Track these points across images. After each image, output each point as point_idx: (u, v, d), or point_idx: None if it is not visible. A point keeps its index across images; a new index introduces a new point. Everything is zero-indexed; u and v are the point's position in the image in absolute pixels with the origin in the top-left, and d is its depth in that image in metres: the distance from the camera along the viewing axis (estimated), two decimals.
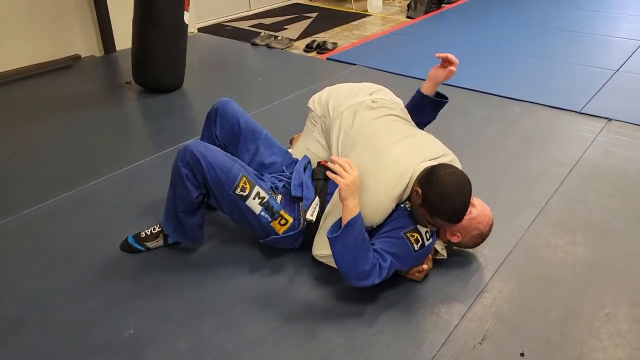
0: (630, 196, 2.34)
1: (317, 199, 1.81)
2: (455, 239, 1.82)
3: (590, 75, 3.69)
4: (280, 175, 1.93)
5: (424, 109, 2.00)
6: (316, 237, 1.82)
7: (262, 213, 1.76)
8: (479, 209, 1.82)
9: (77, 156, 2.64)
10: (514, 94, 3.34)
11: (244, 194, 1.72)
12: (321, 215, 1.80)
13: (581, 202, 2.29)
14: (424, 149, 1.81)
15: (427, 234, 1.77)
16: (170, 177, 1.80)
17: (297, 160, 2.00)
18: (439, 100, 2.01)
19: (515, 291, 1.80)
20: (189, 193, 1.73)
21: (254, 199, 1.73)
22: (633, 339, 1.62)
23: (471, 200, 1.79)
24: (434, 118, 2.08)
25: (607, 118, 3.03)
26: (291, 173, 1.91)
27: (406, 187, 1.72)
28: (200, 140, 2.00)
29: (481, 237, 1.85)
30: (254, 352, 1.55)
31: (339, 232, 1.58)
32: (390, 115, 1.92)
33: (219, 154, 1.74)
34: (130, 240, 1.93)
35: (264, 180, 1.83)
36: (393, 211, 1.75)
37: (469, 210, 1.77)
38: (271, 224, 1.78)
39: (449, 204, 1.60)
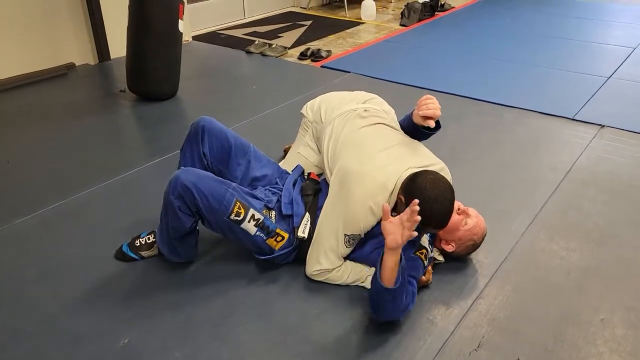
0: (624, 202, 2.35)
1: (307, 215, 1.80)
2: (449, 248, 1.83)
3: (583, 82, 3.72)
4: (273, 187, 1.92)
5: (412, 133, 1.93)
6: (309, 255, 1.79)
7: (258, 233, 1.74)
8: (474, 220, 1.81)
9: (72, 164, 2.63)
10: (507, 101, 3.37)
11: (239, 218, 1.70)
12: (313, 231, 1.79)
13: (575, 208, 2.30)
14: (411, 157, 1.80)
15: (429, 245, 1.78)
16: (164, 192, 1.74)
17: (287, 171, 2.00)
18: (427, 133, 1.90)
19: (510, 297, 1.80)
20: (183, 223, 1.71)
21: (249, 222, 1.71)
22: (628, 345, 1.62)
23: (466, 210, 1.80)
24: (425, 139, 1.97)
25: (600, 125, 3.05)
26: (284, 185, 1.91)
27: (391, 194, 1.70)
28: (181, 159, 1.95)
29: (474, 248, 1.86)
30: None
31: (398, 284, 1.51)
32: (380, 124, 1.92)
33: (210, 181, 1.69)
34: (125, 249, 1.93)
35: (257, 198, 1.79)
36: None
37: (464, 221, 1.79)
38: (267, 241, 1.77)
39: (431, 209, 1.57)
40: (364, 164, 1.75)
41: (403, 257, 1.55)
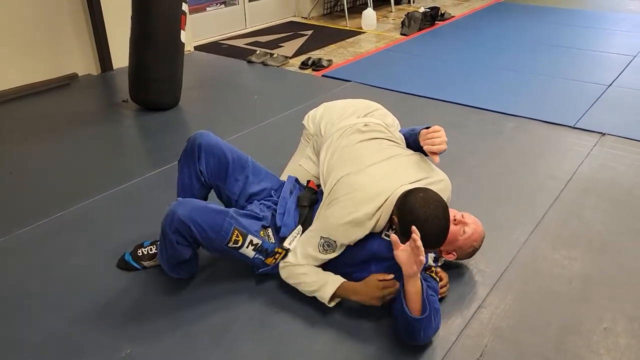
0: (626, 210, 2.35)
1: (299, 227, 1.78)
2: (451, 257, 1.82)
3: (583, 90, 3.73)
4: (268, 200, 1.90)
5: (416, 150, 1.90)
6: (290, 252, 1.78)
7: (257, 255, 1.74)
8: (472, 227, 1.79)
9: (74, 174, 2.64)
10: (508, 110, 3.37)
11: (237, 245, 1.69)
12: None
13: (577, 216, 2.30)
14: (406, 172, 1.76)
15: (433, 261, 1.78)
16: (161, 223, 1.69)
17: (282, 182, 1.98)
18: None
19: (512, 306, 1.79)
20: (181, 254, 1.69)
21: (247, 247, 1.71)
22: (631, 354, 1.62)
23: (463, 218, 1.79)
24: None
25: (601, 132, 3.06)
26: (279, 197, 1.88)
27: (378, 210, 1.65)
28: (179, 175, 1.92)
29: (474, 252, 1.86)
30: None
31: (427, 312, 1.51)
32: (378, 138, 1.88)
33: (207, 211, 1.66)
34: (127, 258, 1.93)
35: (255, 218, 1.77)
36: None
37: (462, 230, 1.76)
38: (265, 261, 1.77)
39: (422, 230, 1.52)
40: (356, 176, 1.72)
41: (424, 283, 1.54)
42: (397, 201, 1.63)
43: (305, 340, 1.64)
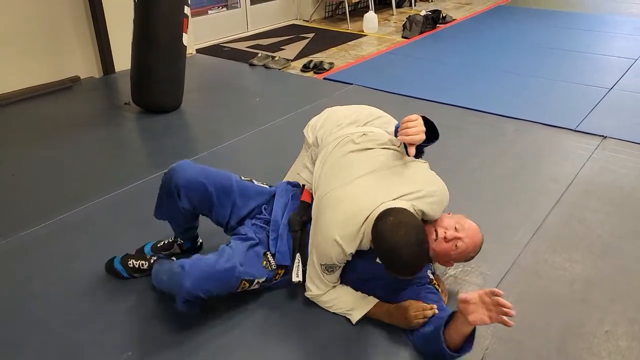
0: (627, 213, 2.35)
1: (297, 256, 1.74)
2: (449, 265, 1.79)
3: (584, 93, 3.73)
4: (260, 219, 1.82)
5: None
6: (307, 280, 1.75)
7: (263, 285, 1.76)
8: (465, 240, 1.64)
9: (76, 177, 2.65)
10: (509, 112, 3.38)
11: (245, 288, 1.69)
12: (305, 270, 1.75)
13: (578, 219, 2.30)
14: (392, 186, 1.63)
15: (430, 273, 1.78)
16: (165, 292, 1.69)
17: (274, 193, 1.89)
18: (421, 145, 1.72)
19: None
20: (192, 309, 1.65)
21: (254, 286, 1.72)
22: (632, 357, 1.62)
23: (456, 234, 1.63)
24: (421, 150, 1.83)
25: (602, 136, 3.06)
26: (271, 220, 1.80)
27: (360, 229, 1.57)
28: (157, 210, 1.88)
29: (472, 257, 1.77)
30: None
31: (464, 352, 1.49)
32: (372, 148, 1.75)
33: (214, 275, 1.58)
34: (117, 265, 1.89)
35: (254, 244, 1.73)
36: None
37: (455, 245, 1.63)
38: (270, 284, 1.78)
39: (391, 260, 1.47)
40: (339, 192, 1.65)
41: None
42: (373, 224, 1.53)
43: (305, 344, 1.64)
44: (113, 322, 1.73)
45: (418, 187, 1.64)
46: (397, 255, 1.46)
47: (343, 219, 1.58)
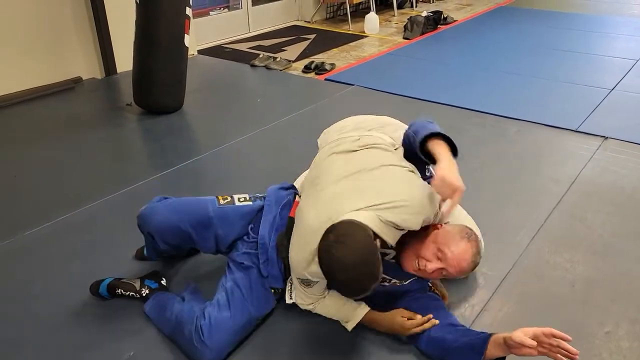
0: (628, 213, 2.35)
1: (289, 279, 1.69)
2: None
3: (586, 94, 3.73)
4: (250, 242, 1.71)
5: (412, 157, 1.65)
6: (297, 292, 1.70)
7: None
8: (450, 270, 1.51)
9: (78, 177, 2.66)
10: (510, 113, 3.38)
11: None
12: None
13: (579, 219, 2.30)
14: (364, 193, 1.49)
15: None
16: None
17: (260, 207, 1.75)
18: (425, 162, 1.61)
19: (515, 310, 1.80)
20: None
21: None
22: (633, 358, 1.62)
23: (439, 248, 1.51)
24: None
25: (603, 136, 3.06)
26: (257, 234, 1.71)
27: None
28: (146, 247, 1.86)
29: (473, 270, 1.64)
30: None
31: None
32: (356, 150, 1.65)
33: (234, 340, 1.59)
34: (103, 291, 1.81)
35: (256, 274, 1.68)
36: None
37: (440, 273, 1.52)
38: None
39: (331, 281, 1.40)
40: (306, 201, 1.60)
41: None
42: None
43: (302, 348, 1.65)
44: (114, 322, 1.73)
45: (390, 198, 1.47)
46: (332, 277, 1.36)
47: (312, 231, 1.46)
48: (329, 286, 1.48)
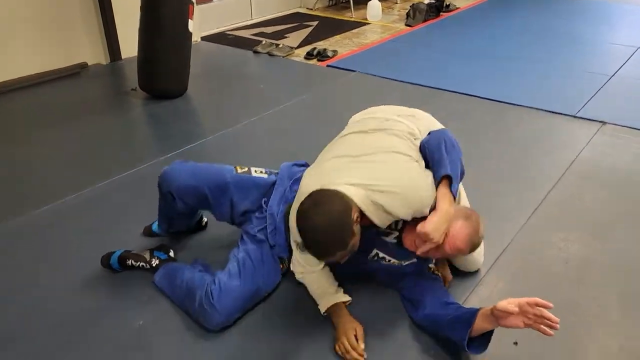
0: (624, 195, 2.41)
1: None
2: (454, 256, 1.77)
3: (586, 80, 3.77)
4: (261, 215, 1.80)
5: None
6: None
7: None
8: (445, 249, 1.55)
9: (86, 159, 2.72)
10: (511, 99, 3.42)
11: None
12: None
13: (575, 201, 2.36)
14: (361, 172, 1.53)
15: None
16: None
17: (274, 181, 1.84)
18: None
19: (509, 285, 1.86)
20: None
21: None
22: (624, 330, 1.68)
23: (418, 236, 1.54)
24: None
25: (602, 122, 3.10)
26: (267, 210, 1.79)
27: None
28: (159, 221, 1.96)
29: (475, 247, 1.64)
30: (259, 347, 1.62)
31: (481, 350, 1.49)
32: (371, 132, 1.70)
33: (242, 306, 1.67)
34: (114, 262, 1.88)
35: (266, 243, 1.76)
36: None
37: (433, 255, 1.61)
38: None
39: (304, 239, 1.47)
40: (309, 172, 1.67)
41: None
42: None
43: (305, 319, 1.72)
44: (124, 293, 1.80)
45: (384, 182, 1.51)
46: (304, 236, 1.45)
47: (297, 204, 1.52)
48: (303, 243, 1.50)
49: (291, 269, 1.75)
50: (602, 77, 3.80)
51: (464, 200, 1.95)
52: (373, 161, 1.58)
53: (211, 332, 1.64)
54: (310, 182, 1.58)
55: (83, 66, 3.92)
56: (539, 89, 3.63)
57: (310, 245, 1.45)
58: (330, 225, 1.40)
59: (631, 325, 1.70)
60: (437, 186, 1.55)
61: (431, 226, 1.48)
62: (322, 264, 1.69)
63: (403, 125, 1.72)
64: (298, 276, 1.74)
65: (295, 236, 1.61)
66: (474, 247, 1.60)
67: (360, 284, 1.81)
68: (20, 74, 3.59)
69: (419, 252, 1.56)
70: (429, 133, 1.70)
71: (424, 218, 1.54)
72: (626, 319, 1.73)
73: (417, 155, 1.63)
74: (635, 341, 1.64)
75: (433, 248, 1.55)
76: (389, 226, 1.62)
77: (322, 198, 1.44)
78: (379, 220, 1.52)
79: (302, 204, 1.46)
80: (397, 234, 1.66)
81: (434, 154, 1.60)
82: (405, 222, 1.60)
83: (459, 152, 1.63)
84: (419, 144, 1.67)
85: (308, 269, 1.69)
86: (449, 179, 1.55)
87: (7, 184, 2.49)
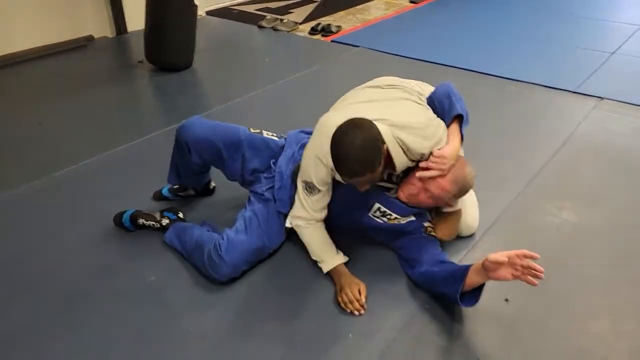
0: (618, 167, 2.48)
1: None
2: (450, 205, 1.83)
3: (586, 57, 3.80)
4: (270, 174, 1.89)
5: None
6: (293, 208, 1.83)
7: None
8: (432, 189, 1.69)
9: (95, 128, 2.80)
10: (512, 75, 3.47)
11: None
12: None
13: (571, 172, 2.43)
14: (383, 112, 1.65)
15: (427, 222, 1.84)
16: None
17: (283, 145, 1.94)
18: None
19: (502, 248, 1.87)
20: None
21: None
22: (608, 288, 1.77)
23: (424, 184, 1.70)
24: None
25: (600, 97, 3.15)
26: (276, 168, 1.88)
27: None
28: (170, 173, 2.02)
29: (467, 190, 1.78)
30: (265, 299, 1.72)
31: (473, 303, 1.57)
32: (385, 88, 1.82)
33: (248, 259, 1.76)
34: (126, 220, 1.96)
35: (272, 203, 1.84)
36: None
37: (427, 195, 1.70)
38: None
39: (335, 157, 1.54)
40: (329, 112, 1.75)
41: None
42: None
43: (308, 282, 1.81)
44: (136, 251, 1.90)
45: (405, 120, 1.65)
46: (338, 152, 1.52)
47: (323, 139, 1.62)
48: (333, 161, 1.56)
49: (289, 222, 1.81)
50: (602, 54, 3.84)
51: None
52: (392, 106, 1.73)
53: (219, 284, 1.73)
54: (333, 117, 1.66)
55: (89, 39, 3.97)
56: (540, 65, 3.67)
57: (344, 161, 1.52)
58: (366, 145, 1.50)
59: (615, 283, 1.80)
60: (448, 126, 1.73)
61: (448, 150, 1.66)
62: (324, 212, 1.77)
63: (412, 84, 1.87)
64: (299, 224, 1.77)
65: (305, 175, 1.70)
66: (460, 190, 1.73)
67: (358, 244, 1.91)
68: (26, 46, 3.64)
69: (412, 194, 1.70)
70: (435, 88, 1.85)
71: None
72: (611, 279, 1.82)
73: (425, 104, 1.80)
74: (618, 296, 1.74)
75: (422, 191, 1.70)
76: (390, 180, 1.76)
77: (360, 122, 1.54)
78: (399, 161, 1.64)
79: (340, 126, 1.54)
80: (396, 187, 1.78)
81: (443, 103, 1.76)
82: (403, 177, 1.73)
83: (464, 104, 1.80)
84: (425, 101, 1.81)
85: (311, 216, 1.75)
86: (459, 120, 1.73)
87: (21, 151, 2.57)
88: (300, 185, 1.75)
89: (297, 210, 1.78)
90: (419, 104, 1.78)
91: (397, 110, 1.70)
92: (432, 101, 1.81)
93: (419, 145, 1.64)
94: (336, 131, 1.54)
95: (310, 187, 1.72)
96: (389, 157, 1.62)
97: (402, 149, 1.63)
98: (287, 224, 1.83)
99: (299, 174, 1.75)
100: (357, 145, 1.49)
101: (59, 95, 3.16)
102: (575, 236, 2.02)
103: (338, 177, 1.67)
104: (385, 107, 1.69)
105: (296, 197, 1.78)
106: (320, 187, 1.71)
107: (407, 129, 1.63)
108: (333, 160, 1.56)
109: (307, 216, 1.77)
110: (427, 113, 1.75)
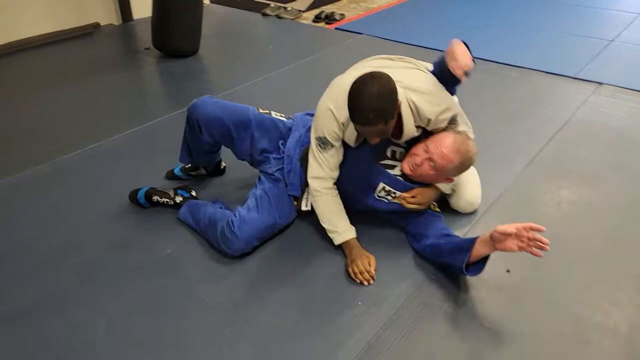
0: (616, 149, 2.55)
1: (306, 190, 1.88)
2: (451, 180, 1.88)
3: (586, 44, 3.87)
4: (279, 155, 1.94)
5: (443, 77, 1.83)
6: (308, 173, 1.87)
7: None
8: (436, 154, 1.74)
9: (103, 113, 2.86)
10: (512, 61, 3.53)
11: None
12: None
13: (569, 154, 2.50)
14: (401, 76, 1.71)
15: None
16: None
17: (291, 126, 1.98)
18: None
19: (504, 222, 2.00)
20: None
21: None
22: (607, 260, 1.86)
23: (426, 144, 1.76)
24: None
25: (599, 82, 3.22)
26: (285, 151, 1.93)
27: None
28: (181, 152, 2.09)
29: (469, 162, 1.81)
30: (276, 271, 1.79)
31: (476, 273, 1.63)
32: (398, 60, 1.88)
33: (260, 236, 1.82)
34: (140, 197, 2.03)
35: (282, 182, 1.91)
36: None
37: (430, 165, 1.75)
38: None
39: (351, 102, 1.58)
40: (342, 75, 1.80)
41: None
42: None
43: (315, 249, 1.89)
44: (152, 226, 1.97)
45: (417, 84, 1.72)
46: (356, 99, 1.55)
47: (337, 92, 1.70)
48: (349, 108, 1.59)
49: (305, 205, 1.88)
50: (602, 41, 3.90)
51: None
52: (404, 72, 1.77)
53: (232, 258, 1.81)
54: (348, 75, 1.69)
55: (95, 26, 4.02)
56: (540, 51, 3.73)
57: (360, 108, 1.55)
58: (383, 95, 1.54)
59: (611, 256, 1.88)
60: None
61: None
62: (337, 171, 1.81)
63: (416, 60, 1.92)
64: (316, 189, 1.81)
65: (318, 131, 1.75)
66: (462, 163, 1.76)
67: (365, 221, 1.97)
68: (33, 33, 3.69)
69: (416, 164, 1.76)
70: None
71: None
72: (607, 252, 1.90)
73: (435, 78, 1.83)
74: (612, 268, 1.83)
75: (426, 161, 1.74)
76: (394, 156, 1.82)
77: (379, 74, 1.58)
78: (407, 124, 1.70)
79: (360, 76, 1.57)
80: (399, 166, 1.83)
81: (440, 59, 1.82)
82: (406, 150, 1.81)
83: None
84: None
85: (327, 174, 1.79)
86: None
87: (29, 136, 2.63)
88: (314, 143, 1.79)
89: (313, 170, 1.81)
90: (426, 73, 1.84)
91: (409, 76, 1.76)
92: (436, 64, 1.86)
93: (428, 110, 1.71)
94: (356, 80, 1.57)
95: (323, 143, 1.76)
96: (399, 119, 1.68)
97: (413, 111, 1.70)
98: (304, 207, 1.88)
99: (312, 131, 1.80)
100: (374, 94, 1.53)
101: (66, 81, 3.21)
102: (573, 212, 2.10)
103: (347, 135, 1.73)
104: (399, 73, 1.73)
105: (310, 157, 1.81)
106: (333, 142, 1.75)
107: (418, 93, 1.70)
108: (349, 107, 1.58)
109: (324, 175, 1.80)
110: (436, 82, 1.80)
